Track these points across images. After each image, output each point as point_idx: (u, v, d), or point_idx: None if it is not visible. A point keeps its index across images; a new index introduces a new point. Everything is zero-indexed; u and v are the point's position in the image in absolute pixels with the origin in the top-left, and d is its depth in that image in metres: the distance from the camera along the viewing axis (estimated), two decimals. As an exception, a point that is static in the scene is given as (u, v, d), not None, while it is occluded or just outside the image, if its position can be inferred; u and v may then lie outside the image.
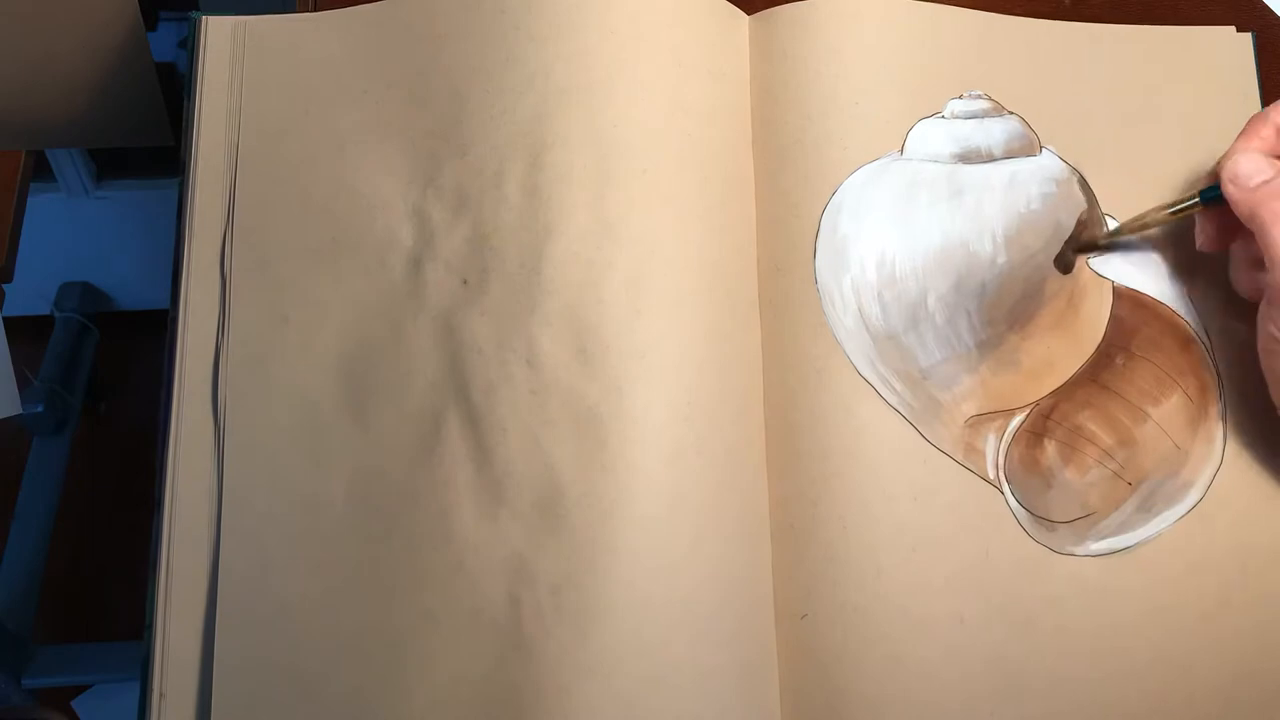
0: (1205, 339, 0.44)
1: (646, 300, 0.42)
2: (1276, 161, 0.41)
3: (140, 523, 0.45)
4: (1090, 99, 0.47)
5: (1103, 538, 0.42)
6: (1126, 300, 0.44)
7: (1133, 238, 0.45)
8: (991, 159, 0.45)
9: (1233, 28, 0.49)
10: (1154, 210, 0.44)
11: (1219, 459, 0.43)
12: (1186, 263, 0.45)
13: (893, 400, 0.42)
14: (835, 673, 0.40)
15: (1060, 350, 0.44)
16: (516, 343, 0.41)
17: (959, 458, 0.42)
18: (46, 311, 1.21)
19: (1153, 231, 0.45)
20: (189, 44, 0.47)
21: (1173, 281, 0.45)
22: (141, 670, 0.40)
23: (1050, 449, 0.43)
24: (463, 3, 0.46)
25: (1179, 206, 0.43)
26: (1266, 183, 0.40)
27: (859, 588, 0.40)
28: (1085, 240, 0.45)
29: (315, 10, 0.50)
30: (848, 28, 0.46)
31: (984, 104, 0.46)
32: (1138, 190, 0.46)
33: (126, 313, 1.26)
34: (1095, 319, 0.44)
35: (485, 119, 0.44)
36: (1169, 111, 0.47)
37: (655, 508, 0.40)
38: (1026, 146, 0.46)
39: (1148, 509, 0.43)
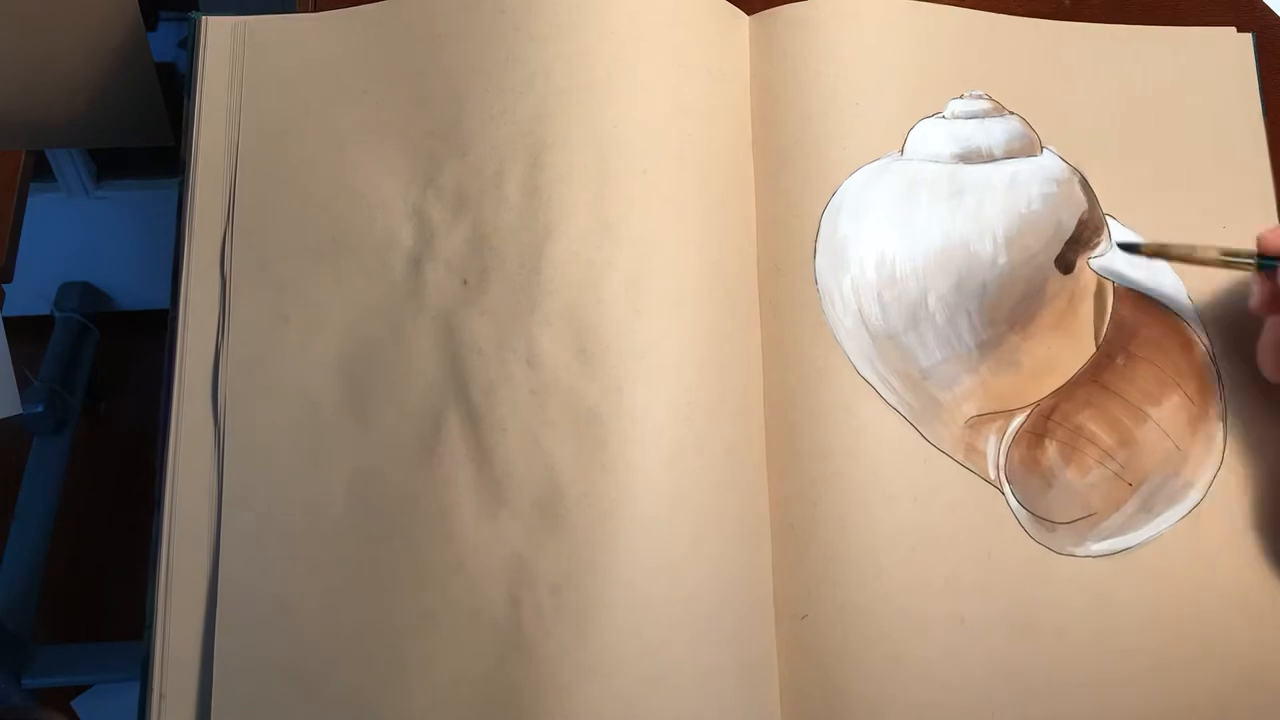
0: (1206, 340, 0.44)
1: (646, 300, 0.42)
2: None
3: (140, 523, 0.45)
4: (1091, 99, 0.47)
5: (1103, 538, 0.42)
6: (1127, 301, 0.44)
7: (1134, 237, 0.45)
8: (992, 159, 0.45)
9: (1233, 28, 0.49)
10: (1206, 248, 0.42)
11: (1219, 460, 0.43)
12: (1187, 264, 0.45)
13: (893, 400, 0.42)
14: (835, 673, 0.40)
15: (1061, 351, 0.44)
16: (516, 343, 0.41)
17: (959, 458, 0.42)
18: (46, 311, 1.20)
19: (1152, 234, 0.45)
20: (189, 44, 0.47)
21: (1174, 282, 0.45)
22: (141, 670, 0.40)
23: (1051, 449, 0.43)
24: (463, 3, 0.46)
25: (1234, 259, 0.41)
26: None
27: (859, 588, 0.40)
28: (1130, 245, 0.44)
29: (315, 10, 0.50)
30: (848, 28, 0.46)
31: (985, 104, 0.46)
32: (1138, 190, 0.46)
33: (126, 313, 1.26)
34: (1096, 320, 0.44)
35: (485, 119, 0.44)
36: (1169, 112, 0.47)
37: (655, 508, 0.40)
38: (1027, 146, 0.46)
39: (1148, 510, 0.42)
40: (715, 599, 0.40)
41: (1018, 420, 0.43)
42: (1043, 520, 0.42)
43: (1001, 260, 0.44)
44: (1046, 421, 0.43)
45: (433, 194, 0.44)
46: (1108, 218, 0.45)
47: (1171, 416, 0.44)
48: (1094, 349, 0.44)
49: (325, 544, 0.41)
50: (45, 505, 1.10)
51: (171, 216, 0.45)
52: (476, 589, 0.39)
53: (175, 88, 0.50)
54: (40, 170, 1.07)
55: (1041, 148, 0.46)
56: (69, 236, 1.16)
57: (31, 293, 1.19)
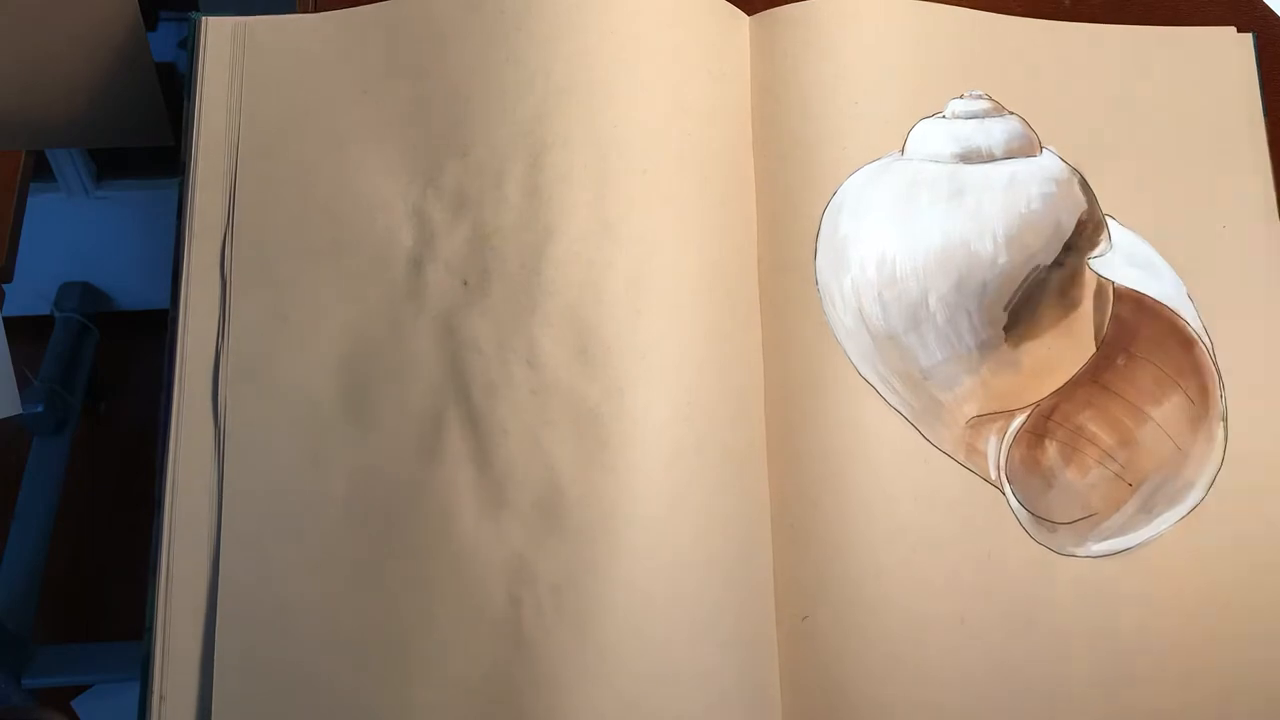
0: (1206, 339, 0.44)
1: (647, 300, 0.42)
2: None
3: (140, 523, 0.45)
4: (1091, 99, 0.47)
5: (1104, 539, 0.42)
6: (1127, 301, 0.44)
7: (1134, 237, 0.45)
8: (992, 159, 0.45)
9: (1233, 28, 0.49)
10: None
11: (1220, 460, 0.43)
12: (1188, 263, 0.45)
13: (893, 401, 0.42)
14: (836, 673, 0.40)
15: (1061, 351, 0.44)
16: (517, 343, 0.41)
17: (960, 458, 0.42)
18: (46, 311, 1.20)
19: (1152, 234, 0.45)
20: (189, 44, 0.47)
21: (1174, 282, 0.45)
22: (141, 670, 0.40)
23: (1051, 450, 0.43)
24: (463, 3, 0.46)
25: None
26: None
27: (860, 588, 0.40)
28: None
29: (315, 10, 0.50)
30: (848, 28, 0.46)
31: (984, 104, 0.46)
32: (1138, 190, 0.46)
33: (126, 313, 1.25)
34: (1096, 319, 0.44)
35: (485, 119, 0.44)
36: (1169, 112, 0.47)
37: (656, 508, 0.40)
38: (1027, 146, 0.46)
39: (1149, 510, 0.42)
40: (716, 599, 0.40)
41: (1018, 420, 0.43)
42: (1043, 520, 0.42)
43: (1001, 260, 0.44)
44: (1047, 422, 0.43)
45: (433, 194, 0.44)
46: (1107, 217, 0.45)
47: (1172, 416, 0.44)
48: (1094, 349, 0.44)
49: (325, 544, 0.41)
50: (45, 505, 1.10)
51: (171, 216, 0.45)
52: (477, 589, 0.39)
53: (175, 88, 0.50)
54: (40, 170, 1.07)
55: (1041, 148, 0.46)
56: (69, 236, 1.16)
57: (31, 293, 1.18)
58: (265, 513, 0.41)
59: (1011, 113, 0.46)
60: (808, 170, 0.45)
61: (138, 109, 0.57)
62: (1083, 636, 0.41)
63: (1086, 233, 0.45)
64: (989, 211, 0.44)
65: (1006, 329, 0.43)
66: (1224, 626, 0.42)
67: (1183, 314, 0.45)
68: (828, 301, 0.43)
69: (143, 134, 0.59)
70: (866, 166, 0.45)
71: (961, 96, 0.46)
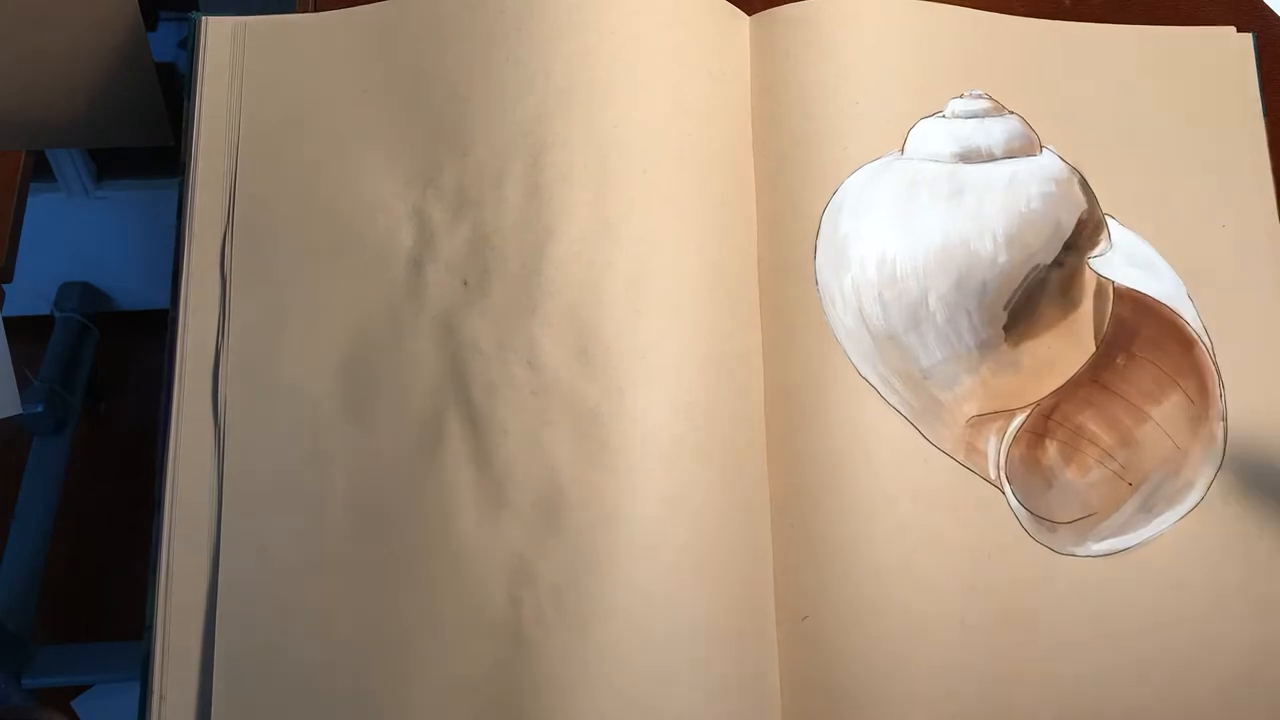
0: (1206, 339, 0.44)
1: (647, 300, 0.42)
2: None
3: (140, 523, 0.45)
4: (1090, 99, 0.47)
5: (1104, 538, 0.42)
6: (1127, 300, 0.44)
7: (1134, 237, 0.45)
8: (992, 158, 0.45)
9: (1233, 28, 0.49)
10: None
11: (1220, 459, 0.43)
12: (1188, 263, 0.45)
13: (893, 400, 0.42)
14: (836, 673, 0.40)
15: (1061, 350, 0.44)
16: (517, 343, 0.41)
17: (960, 458, 0.42)
18: (46, 311, 1.20)
19: (1152, 234, 0.45)
20: (189, 44, 0.47)
21: (1174, 282, 0.45)
22: (141, 670, 0.40)
23: (1051, 449, 0.43)
24: (463, 3, 0.46)
25: None
26: None
27: (860, 588, 0.40)
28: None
29: (315, 10, 0.50)
30: (848, 27, 0.46)
31: (984, 103, 0.46)
32: (1138, 190, 0.46)
33: (126, 313, 1.25)
34: (1096, 319, 0.44)
35: (485, 119, 0.44)
36: (1169, 112, 0.47)
37: (656, 508, 0.40)
38: (1027, 146, 0.46)
39: (1148, 509, 0.42)
40: (716, 599, 0.40)
41: (1018, 420, 0.43)
42: (1043, 520, 0.42)
43: (1001, 259, 0.44)
44: (1047, 421, 0.43)
45: (433, 194, 0.44)
46: (1107, 217, 0.45)
47: (1171, 416, 0.44)
48: (1094, 349, 0.44)
49: (325, 544, 0.41)
50: (45, 505, 1.10)
51: (171, 216, 0.45)
52: (477, 589, 0.39)
53: (175, 88, 0.50)
54: (40, 170, 1.07)
55: (1041, 147, 0.46)
56: (69, 236, 1.16)
57: (31, 293, 1.18)
58: (265, 513, 0.41)
59: (1011, 112, 0.46)
60: (808, 170, 0.45)
61: (138, 109, 0.57)
62: (1082, 636, 0.41)
63: (1086, 232, 0.45)
64: (989, 211, 0.44)
65: (1006, 328, 0.43)
66: (1224, 626, 0.42)
67: (1183, 314, 0.45)
68: (828, 301, 0.43)
69: (143, 134, 0.59)
70: (866, 166, 0.45)
71: (961, 96, 0.46)
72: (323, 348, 0.43)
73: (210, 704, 0.39)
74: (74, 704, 1.08)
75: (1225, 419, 0.44)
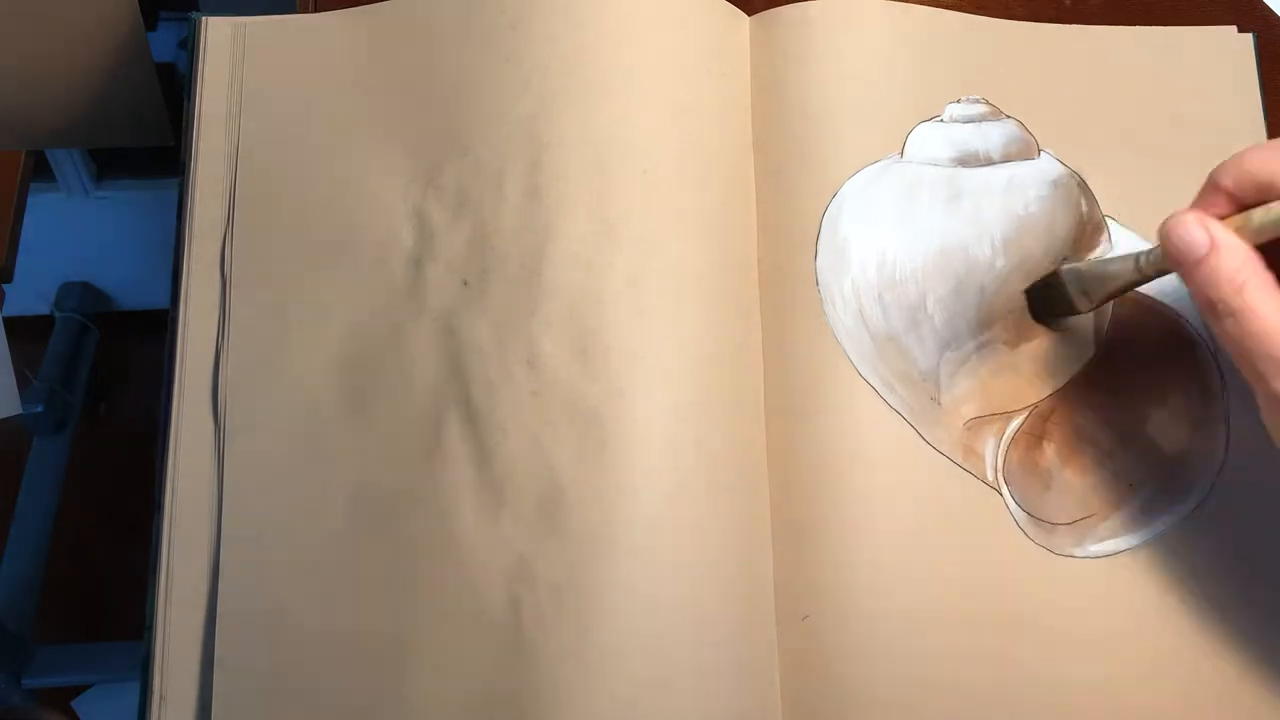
0: (1206, 339, 0.44)
1: (647, 301, 0.42)
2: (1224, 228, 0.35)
3: (140, 523, 0.45)
4: (1089, 101, 0.47)
5: (1102, 540, 0.42)
6: (1127, 301, 0.44)
7: (1134, 238, 0.45)
8: (990, 162, 0.45)
9: (1233, 28, 0.49)
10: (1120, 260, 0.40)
11: (1220, 460, 0.43)
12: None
13: (893, 401, 0.42)
14: (836, 674, 0.40)
15: (1060, 352, 0.44)
16: (517, 343, 0.41)
17: (958, 460, 0.42)
18: (46, 311, 1.20)
19: (1152, 235, 0.45)
20: (189, 44, 0.47)
21: (1174, 282, 0.45)
22: (141, 670, 0.40)
23: (1049, 450, 0.43)
24: (463, 3, 0.46)
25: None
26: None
27: (859, 589, 0.40)
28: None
29: (315, 10, 0.50)
30: (848, 29, 0.46)
31: (981, 108, 0.46)
32: (1137, 192, 0.46)
33: (126, 313, 1.26)
34: (1096, 320, 0.44)
35: (485, 119, 0.44)
36: (1169, 113, 0.47)
37: (656, 508, 0.40)
38: (1025, 150, 0.46)
39: (1148, 511, 0.42)
40: (716, 600, 0.40)
41: (1016, 422, 0.43)
42: (1041, 522, 0.42)
43: (999, 263, 0.44)
44: (1045, 423, 0.43)
45: (433, 194, 0.44)
46: (1107, 219, 0.45)
47: (1172, 417, 0.44)
48: (1094, 350, 0.44)
49: (325, 544, 0.41)
50: (45, 505, 1.10)
51: (171, 216, 0.45)
52: (477, 590, 0.39)
53: (175, 88, 0.50)
54: (40, 170, 1.07)
55: (1039, 151, 0.46)
56: (69, 236, 1.16)
57: (31, 293, 1.19)
58: (265, 512, 0.41)
59: (1009, 116, 0.46)
60: (808, 171, 0.45)
61: (138, 109, 0.57)
62: (1081, 637, 0.41)
63: (1086, 234, 0.45)
64: (987, 215, 0.44)
65: (1004, 331, 0.43)
66: (1223, 627, 0.41)
67: (1183, 314, 0.45)
68: (828, 302, 0.43)
69: (143, 134, 0.59)
70: (866, 168, 0.45)
71: (959, 101, 0.46)
72: (323, 348, 0.43)
73: (210, 704, 0.39)
74: (74, 704, 1.08)
75: (1227, 420, 0.44)
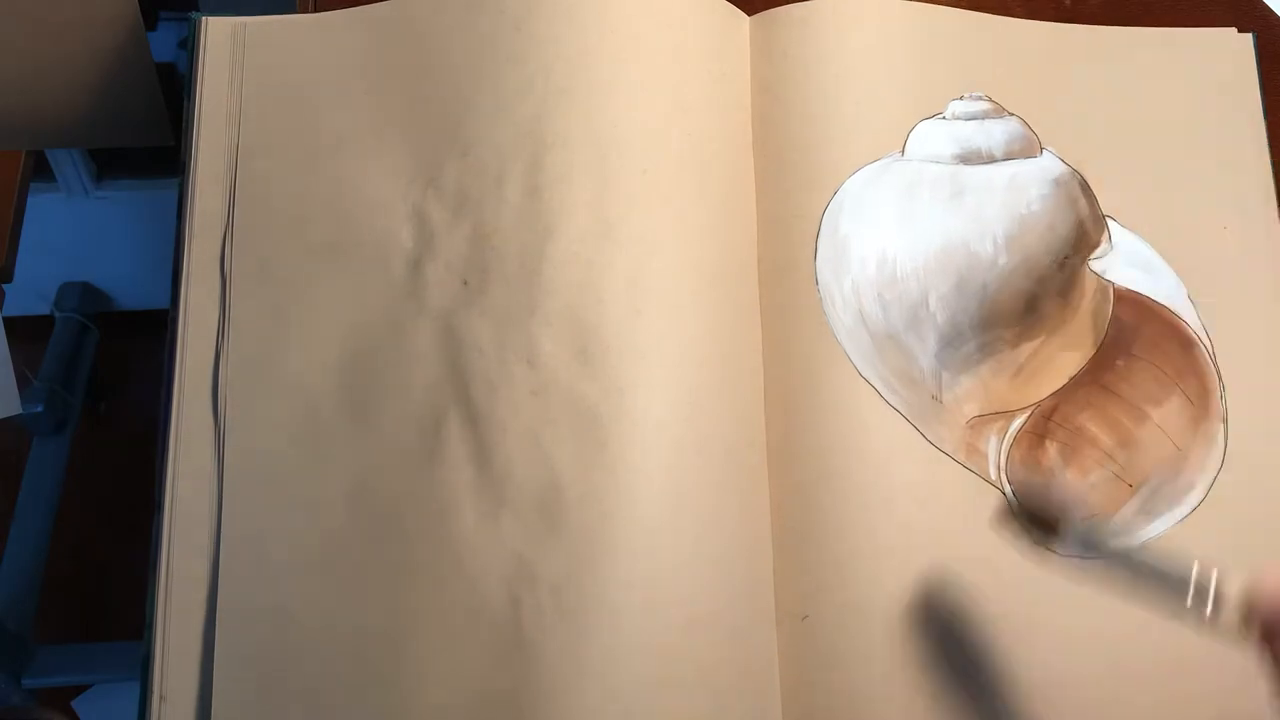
0: (1206, 340, 0.44)
1: (647, 300, 0.42)
2: None
3: (140, 523, 0.45)
4: (1091, 100, 0.47)
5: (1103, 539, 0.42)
6: (1127, 302, 0.44)
7: (1134, 238, 0.45)
8: (992, 160, 0.45)
9: (1233, 28, 0.49)
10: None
11: (1220, 460, 0.43)
12: (1188, 264, 0.45)
13: (893, 400, 0.42)
14: (836, 673, 0.40)
15: (1061, 351, 0.44)
16: (517, 343, 0.41)
17: (960, 458, 0.42)
18: (46, 311, 1.20)
19: (1152, 235, 0.45)
20: (189, 44, 0.47)
21: (1174, 283, 0.45)
22: (141, 670, 0.40)
23: (1052, 450, 0.43)
24: (463, 3, 0.46)
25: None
26: None
27: (860, 588, 0.40)
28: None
29: (315, 10, 0.50)
30: (849, 29, 0.46)
31: (984, 105, 0.46)
32: (1138, 191, 0.46)
33: (126, 313, 1.25)
34: (1096, 320, 0.44)
35: (485, 119, 0.44)
36: (1169, 112, 0.47)
37: (656, 508, 0.40)
38: (1027, 148, 0.46)
39: (1149, 510, 0.42)
40: (716, 599, 0.40)
41: (1018, 421, 0.43)
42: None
43: (1001, 261, 0.44)
44: (1047, 422, 0.43)
45: (433, 194, 0.44)
46: (1107, 218, 0.45)
47: (1172, 417, 0.44)
48: (1094, 350, 0.44)
49: (325, 544, 0.41)
50: (45, 505, 1.10)
51: (171, 216, 0.45)
52: (477, 589, 0.39)
53: (175, 88, 0.50)
54: (40, 170, 1.07)
55: (1041, 148, 0.46)
56: (69, 236, 1.16)
57: (31, 293, 1.18)
58: (265, 512, 0.41)
59: (1012, 114, 0.46)
60: (808, 170, 0.45)
61: (138, 109, 0.57)
62: (1082, 637, 0.41)
63: (1087, 234, 0.45)
64: (989, 212, 0.44)
65: (1006, 329, 0.43)
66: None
67: (1183, 315, 0.45)
68: (828, 301, 0.43)
69: (143, 134, 0.59)
70: (867, 167, 0.45)
71: (961, 98, 0.46)
72: (323, 347, 0.43)
73: (210, 704, 0.39)
74: (74, 704, 1.08)
75: (1225, 420, 0.44)
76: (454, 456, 0.41)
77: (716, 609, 0.40)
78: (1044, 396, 0.43)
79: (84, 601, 1.16)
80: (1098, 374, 0.44)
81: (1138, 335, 0.44)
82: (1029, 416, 0.43)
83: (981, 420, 0.43)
